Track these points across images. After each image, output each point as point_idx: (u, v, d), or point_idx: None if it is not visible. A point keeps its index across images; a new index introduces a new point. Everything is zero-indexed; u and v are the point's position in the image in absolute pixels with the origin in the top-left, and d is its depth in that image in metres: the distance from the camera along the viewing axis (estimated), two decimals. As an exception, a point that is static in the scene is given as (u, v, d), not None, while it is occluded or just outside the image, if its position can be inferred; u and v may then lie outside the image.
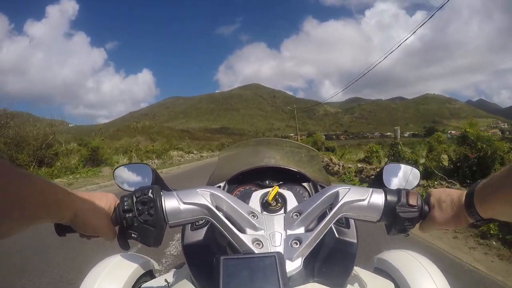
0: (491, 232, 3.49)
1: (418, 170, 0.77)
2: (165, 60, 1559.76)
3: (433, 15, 14.04)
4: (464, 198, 0.51)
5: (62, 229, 0.51)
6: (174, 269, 0.85)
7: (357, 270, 0.77)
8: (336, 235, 0.68)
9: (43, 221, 0.42)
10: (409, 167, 0.76)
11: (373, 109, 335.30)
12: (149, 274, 0.95)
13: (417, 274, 0.82)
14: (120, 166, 0.77)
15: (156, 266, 1.01)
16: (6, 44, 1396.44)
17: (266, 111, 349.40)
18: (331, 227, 0.54)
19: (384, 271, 0.91)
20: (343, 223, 0.70)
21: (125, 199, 0.53)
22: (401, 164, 0.77)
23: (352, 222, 0.71)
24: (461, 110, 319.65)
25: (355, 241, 0.68)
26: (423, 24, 15.01)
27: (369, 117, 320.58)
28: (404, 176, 0.74)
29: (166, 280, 0.73)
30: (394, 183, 0.72)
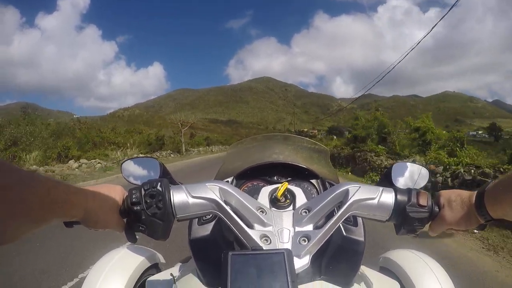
0: None
1: (427, 169, 0.77)
2: (176, 54, 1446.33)
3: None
4: (474, 198, 0.53)
5: (69, 222, 0.51)
6: (180, 263, 0.88)
7: (364, 269, 0.78)
8: (344, 233, 0.69)
9: (52, 221, 0.42)
10: (417, 166, 0.77)
11: (390, 106, 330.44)
12: (155, 267, 0.98)
13: (422, 274, 0.83)
14: (127, 159, 0.79)
15: (161, 259, 1.03)
16: (18, 37, 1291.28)
17: (278, 104, 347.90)
18: (339, 225, 0.56)
19: (390, 270, 0.93)
20: (350, 221, 0.71)
21: (133, 191, 0.54)
22: (408, 163, 0.78)
23: (360, 220, 0.72)
24: (483, 109, 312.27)
25: (362, 239, 0.69)
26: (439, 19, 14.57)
27: (386, 114, 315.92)
28: (411, 175, 0.75)
29: (171, 274, 0.75)
30: (402, 182, 0.73)
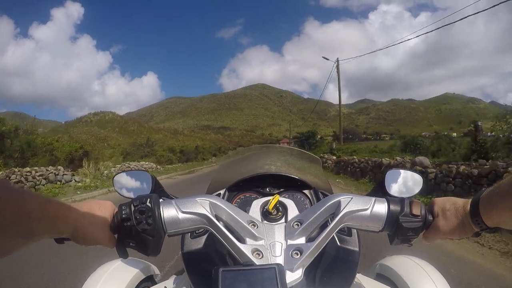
0: None
1: (420, 175, 0.78)
2: (170, 64, 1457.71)
3: None
4: (469, 206, 0.53)
5: (60, 238, 0.53)
6: (175, 276, 0.89)
7: (360, 277, 0.78)
8: (338, 243, 0.70)
9: (43, 237, 0.44)
10: (409, 173, 0.78)
11: (390, 109, 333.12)
12: (150, 280, 1.00)
13: (420, 280, 0.84)
14: (120, 172, 0.80)
15: (156, 271, 1.05)
16: (12, 47, 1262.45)
17: (273, 111, 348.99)
18: (332, 235, 0.57)
19: (387, 277, 0.95)
20: (345, 231, 0.72)
21: (123, 207, 0.55)
22: (401, 170, 0.79)
23: (354, 230, 0.73)
24: (486, 110, 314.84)
25: (357, 249, 0.70)
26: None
27: (387, 118, 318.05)
28: (405, 182, 0.77)
29: (165, 287, 0.76)
30: (396, 189, 0.74)
